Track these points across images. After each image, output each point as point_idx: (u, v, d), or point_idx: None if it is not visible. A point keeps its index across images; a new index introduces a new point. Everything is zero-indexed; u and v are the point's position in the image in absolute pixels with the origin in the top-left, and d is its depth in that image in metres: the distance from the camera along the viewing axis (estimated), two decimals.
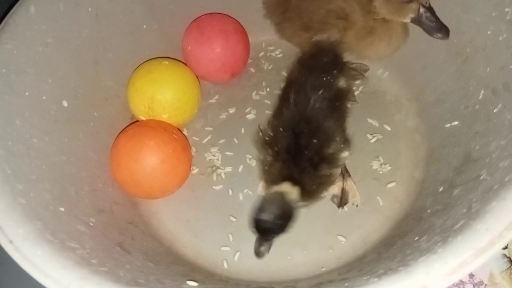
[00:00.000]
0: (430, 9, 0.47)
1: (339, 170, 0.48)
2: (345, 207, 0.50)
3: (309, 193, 0.44)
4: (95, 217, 0.43)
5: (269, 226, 0.41)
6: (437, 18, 0.47)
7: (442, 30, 0.47)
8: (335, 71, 0.47)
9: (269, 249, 0.44)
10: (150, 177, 0.49)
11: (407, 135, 0.55)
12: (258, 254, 0.43)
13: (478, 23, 0.47)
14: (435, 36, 0.47)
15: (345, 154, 0.46)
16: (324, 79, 0.46)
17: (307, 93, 0.45)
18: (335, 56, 0.49)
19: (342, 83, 0.48)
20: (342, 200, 0.50)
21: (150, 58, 0.58)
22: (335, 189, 0.50)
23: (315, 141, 0.43)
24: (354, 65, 0.61)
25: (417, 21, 0.48)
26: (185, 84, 0.56)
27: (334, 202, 0.50)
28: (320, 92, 0.45)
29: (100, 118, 0.53)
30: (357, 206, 0.49)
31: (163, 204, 0.53)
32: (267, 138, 0.46)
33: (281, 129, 0.45)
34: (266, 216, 0.41)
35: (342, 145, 0.45)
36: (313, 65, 0.48)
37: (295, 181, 0.42)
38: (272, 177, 0.44)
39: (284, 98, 0.48)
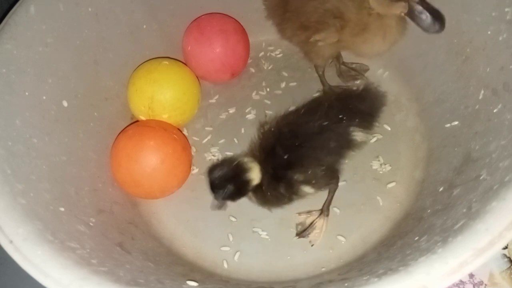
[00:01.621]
0: (421, 3, 0.46)
1: (299, 198, 0.47)
2: (345, 208, 0.50)
3: (263, 195, 0.46)
4: (95, 217, 0.43)
5: (214, 181, 0.44)
6: (430, 11, 0.46)
7: (435, 24, 0.46)
8: (361, 125, 0.47)
9: (220, 206, 0.46)
10: (150, 177, 0.49)
11: (407, 135, 0.55)
12: (211, 206, 0.46)
13: (478, 23, 0.47)
14: (429, 32, 0.47)
15: (308, 189, 0.46)
16: (345, 124, 0.46)
17: (320, 121, 0.46)
18: (372, 113, 0.49)
19: (358, 137, 0.47)
20: (303, 232, 0.49)
21: (150, 58, 0.58)
22: (306, 219, 0.50)
23: (285, 157, 0.44)
24: (354, 65, 0.61)
25: (409, 16, 0.48)
26: (185, 84, 0.56)
27: (296, 228, 0.50)
28: (332, 130, 0.46)
29: (100, 118, 0.53)
30: (312, 245, 0.48)
31: (163, 204, 0.53)
32: (262, 130, 0.48)
33: (272, 128, 0.47)
34: (215, 171, 0.44)
35: (314, 182, 0.46)
36: (348, 106, 0.48)
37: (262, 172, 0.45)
38: (250, 154, 0.47)
39: (306, 105, 0.49)
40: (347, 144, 0.47)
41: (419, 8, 0.46)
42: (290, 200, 0.47)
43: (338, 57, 0.61)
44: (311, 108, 0.48)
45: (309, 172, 0.45)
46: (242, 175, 0.44)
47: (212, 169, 0.45)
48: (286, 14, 0.56)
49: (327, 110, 0.47)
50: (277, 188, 0.45)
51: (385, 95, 0.51)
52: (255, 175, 0.44)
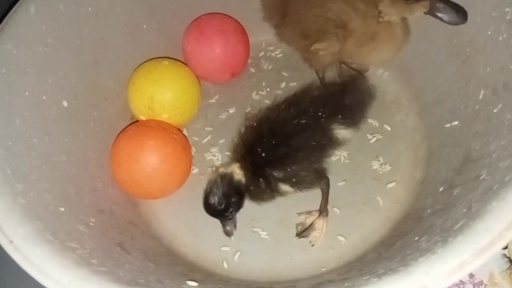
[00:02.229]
0: (441, 0, 0.46)
1: (280, 195, 0.47)
2: (345, 208, 0.50)
3: (249, 189, 0.45)
4: (95, 217, 0.43)
5: (217, 208, 0.43)
6: (452, 5, 0.46)
7: (459, 16, 0.46)
8: (345, 122, 0.46)
9: (234, 225, 0.45)
10: (150, 177, 0.49)
11: (407, 135, 0.55)
12: (227, 233, 0.45)
13: (478, 23, 0.47)
14: (456, 24, 0.46)
15: (286, 187, 0.45)
16: (326, 122, 0.45)
17: (299, 118, 0.45)
18: (358, 108, 0.48)
19: (340, 134, 0.46)
20: (303, 232, 0.49)
21: (150, 58, 0.58)
22: (306, 219, 0.49)
23: (263, 155, 0.44)
24: (354, 65, 0.61)
25: (431, 14, 0.47)
26: (185, 84, 0.56)
27: (296, 228, 0.49)
28: (312, 127, 0.45)
29: (100, 118, 0.53)
30: (312, 246, 0.48)
31: (163, 204, 0.53)
32: (246, 124, 0.47)
33: (254, 124, 0.46)
34: (212, 200, 0.43)
35: (294, 180, 0.45)
36: (332, 101, 0.47)
37: (241, 167, 0.44)
38: (232, 150, 0.47)
39: (287, 100, 0.48)
40: (329, 142, 0.46)
41: (441, 4, 0.46)
42: (272, 196, 0.46)
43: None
44: (292, 104, 0.47)
45: (288, 170, 0.44)
46: (232, 183, 0.44)
47: (208, 200, 0.43)
48: (285, 18, 0.55)
49: (307, 106, 0.46)
50: (258, 183, 0.45)
51: (373, 88, 0.50)
52: (238, 175, 0.44)
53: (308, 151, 0.45)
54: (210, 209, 0.44)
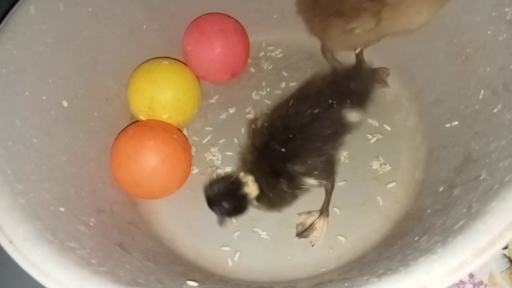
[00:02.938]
0: None
1: (301, 193, 0.46)
2: (345, 208, 0.50)
3: (268, 199, 0.45)
4: (95, 217, 0.43)
5: (210, 197, 0.44)
6: None
7: None
8: (354, 105, 0.46)
9: (222, 222, 0.45)
10: (150, 177, 0.49)
11: (407, 135, 0.55)
12: (218, 223, 0.46)
13: (478, 23, 0.47)
14: None
15: (311, 180, 0.45)
16: (337, 109, 0.45)
17: (311, 109, 0.45)
18: (365, 91, 0.48)
19: (352, 118, 0.46)
20: (304, 232, 0.49)
21: (150, 58, 0.58)
22: (306, 219, 0.49)
23: (283, 150, 0.43)
24: (376, 69, 0.59)
25: None
26: (185, 84, 0.56)
27: (296, 228, 0.49)
28: (325, 116, 0.45)
29: (100, 118, 0.53)
30: (313, 246, 0.48)
31: (163, 204, 0.53)
32: (253, 127, 0.47)
33: (265, 124, 0.46)
34: (208, 190, 0.44)
35: (317, 173, 0.44)
36: (338, 87, 0.47)
37: (256, 179, 0.44)
38: (241, 164, 0.46)
39: (293, 95, 0.48)
40: (343, 128, 0.46)
41: None
42: (294, 196, 0.46)
43: (360, 62, 0.59)
44: (300, 97, 0.47)
45: (309, 162, 0.44)
46: (237, 191, 0.43)
47: (209, 185, 0.44)
48: (316, 9, 0.54)
49: (316, 96, 0.46)
50: (278, 186, 0.44)
51: (375, 70, 0.49)
52: (251, 188, 0.43)
53: (324, 140, 0.45)
54: (205, 193, 0.44)
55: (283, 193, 0.45)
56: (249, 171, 0.44)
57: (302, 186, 0.45)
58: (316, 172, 0.45)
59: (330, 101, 0.45)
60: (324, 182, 0.46)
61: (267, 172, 0.44)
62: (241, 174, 0.44)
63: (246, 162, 0.45)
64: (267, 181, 0.44)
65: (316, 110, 0.45)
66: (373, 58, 0.59)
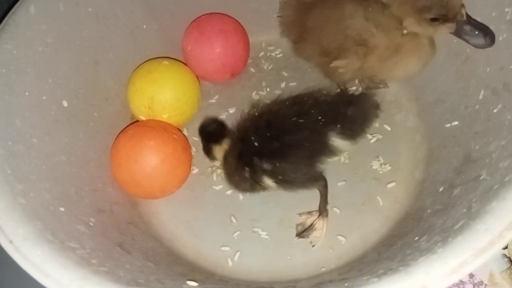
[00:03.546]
0: (468, 22, 0.45)
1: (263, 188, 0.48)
2: (345, 208, 0.50)
3: (228, 171, 0.48)
4: (95, 217, 0.43)
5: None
6: (479, 28, 0.44)
7: (487, 40, 0.44)
8: (344, 132, 0.46)
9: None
10: (150, 177, 0.49)
11: (407, 135, 0.55)
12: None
13: None
14: (482, 47, 0.45)
15: (270, 182, 0.46)
16: (324, 127, 0.45)
17: (298, 117, 0.45)
18: (362, 121, 0.48)
19: (335, 143, 0.46)
20: (303, 232, 0.49)
21: (150, 58, 0.58)
22: (306, 219, 0.49)
23: (256, 144, 0.45)
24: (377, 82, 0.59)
25: (457, 35, 0.46)
26: (185, 84, 0.56)
27: (296, 228, 0.49)
28: (308, 129, 0.45)
29: (100, 118, 0.53)
30: (313, 246, 0.48)
31: (163, 204, 0.53)
32: (248, 111, 0.49)
33: (256, 113, 0.48)
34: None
35: (281, 177, 0.45)
36: (335, 108, 0.47)
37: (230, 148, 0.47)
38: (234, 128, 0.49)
39: (291, 97, 0.49)
40: (323, 148, 0.46)
41: (468, 27, 0.44)
42: (252, 188, 0.47)
43: None
44: (295, 102, 0.47)
45: (277, 165, 0.45)
46: (215, 138, 0.48)
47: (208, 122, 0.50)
48: (303, 34, 0.54)
49: (309, 107, 0.46)
50: (241, 171, 0.46)
51: (379, 106, 0.49)
52: (220, 148, 0.48)
53: (301, 152, 0.45)
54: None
55: (241, 178, 0.46)
56: (232, 138, 0.48)
57: (261, 183, 0.46)
58: (280, 178, 0.45)
59: (320, 117, 0.45)
60: (284, 190, 0.47)
61: (238, 154, 0.46)
62: (230, 134, 0.48)
63: (233, 132, 0.48)
64: (236, 160, 0.46)
65: (302, 120, 0.45)
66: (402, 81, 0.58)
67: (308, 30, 0.54)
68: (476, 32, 0.44)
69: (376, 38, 0.48)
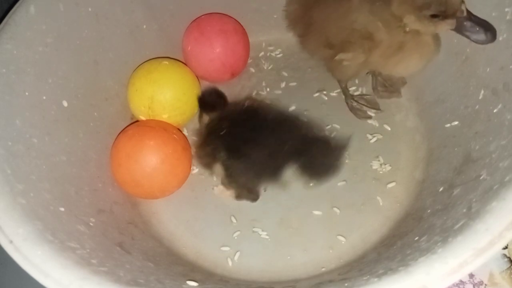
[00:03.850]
0: (469, 18, 0.44)
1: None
2: (345, 208, 0.50)
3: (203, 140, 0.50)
4: (95, 217, 0.43)
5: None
6: (481, 24, 0.44)
7: (488, 36, 0.43)
8: (301, 170, 0.47)
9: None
10: (150, 177, 0.49)
11: (407, 135, 0.55)
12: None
13: None
14: (483, 43, 0.44)
15: (220, 170, 0.48)
16: (282, 153, 0.46)
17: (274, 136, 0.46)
18: (321, 169, 0.48)
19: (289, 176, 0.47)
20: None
21: (150, 58, 0.58)
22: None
23: (221, 133, 0.47)
24: (388, 81, 0.59)
25: (458, 31, 0.46)
26: (185, 84, 0.56)
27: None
28: (266, 145, 0.46)
29: (100, 118, 0.53)
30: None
31: (163, 204, 0.53)
32: (245, 101, 0.52)
33: (244, 107, 0.50)
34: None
35: (229, 172, 0.47)
36: (302, 144, 0.47)
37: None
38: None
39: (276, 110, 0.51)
40: (274, 173, 0.47)
41: (468, 23, 0.44)
42: (209, 167, 0.50)
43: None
44: (277, 116, 0.49)
45: (228, 162, 0.47)
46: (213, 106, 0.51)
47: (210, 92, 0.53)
48: (310, 27, 0.54)
49: (281, 127, 0.47)
50: (206, 146, 0.49)
51: (341, 163, 0.49)
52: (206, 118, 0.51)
53: (253, 164, 0.46)
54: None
55: (206, 152, 0.49)
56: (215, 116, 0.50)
57: (214, 166, 0.49)
58: (229, 171, 0.48)
59: (285, 143, 0.46)
60: (229, 183, 0.50)
61: (209, 131, 0.49)
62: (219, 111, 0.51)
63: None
64: (207, 133, 0.50)
65: (269, 140, 0.46)
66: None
67: (314, 23, 0.53)
68: (477, 28, 0.44)
69: (381, 33, 0.48)
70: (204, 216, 0.52)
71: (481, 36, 0.44)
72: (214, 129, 0.49)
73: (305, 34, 0.56)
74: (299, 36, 0.58)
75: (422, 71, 0.51)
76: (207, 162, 0.50)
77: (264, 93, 0.62)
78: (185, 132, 0.59)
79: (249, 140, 0.46)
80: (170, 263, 0.45)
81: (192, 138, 0.58)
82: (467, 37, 0.45)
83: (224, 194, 0.52)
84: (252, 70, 0.64)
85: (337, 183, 0.52)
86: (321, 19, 0.53)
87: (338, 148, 0.48)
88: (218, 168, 0.48)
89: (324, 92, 0.60)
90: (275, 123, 0.47)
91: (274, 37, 0.63)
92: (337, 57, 0.51)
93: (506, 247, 0.47)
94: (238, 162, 0.47)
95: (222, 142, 0.47)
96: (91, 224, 0.42)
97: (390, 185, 0.51)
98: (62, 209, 0.40)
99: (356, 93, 0.59)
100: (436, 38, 0.50)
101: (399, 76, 0.54)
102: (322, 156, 0.47)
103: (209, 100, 0.52)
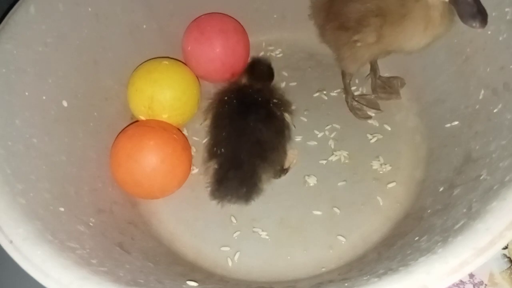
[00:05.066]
0: None
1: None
2: (345, 208, 0.50)
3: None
4: (95, 217, 0.43)
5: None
6: (477, 2, 0.41)
7: (477, 17, 0.41)
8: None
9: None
10: (150, 177, 0.49)
11: (407, 135, 0.55)
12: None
13: None
14: (469, 23, 0.41)
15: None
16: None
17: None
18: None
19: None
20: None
21: (150, 58, 0.58)
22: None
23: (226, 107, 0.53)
24: (391, 79, 0.60)
25: (453, 2, 0.43)
26: (185, 84, 0.56)
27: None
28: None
29: (100, 118, 0.53)
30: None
31: (163, 204, 0.53)
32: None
33: (244, 87, 0.54)
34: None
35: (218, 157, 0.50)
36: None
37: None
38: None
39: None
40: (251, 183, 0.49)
41: None
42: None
43: (375, 70, 0.60)
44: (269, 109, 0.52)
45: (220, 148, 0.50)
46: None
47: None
48: (329, 15, 0.54)
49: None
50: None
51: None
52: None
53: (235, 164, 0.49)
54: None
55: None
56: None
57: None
58: (218, 157, 0.50)
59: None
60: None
61: (218, 111, 0.53)
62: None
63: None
64: (217, 112, 0.53)
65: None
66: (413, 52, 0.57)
67: (333, 10, 0.54)
68: (472, 5, 0.41)
69: (391, 5, 0.48)
70: (204, 216, 0.52)
71: (471, 14, 0.41)
72: (221, 112, 0.52)
73: (325, 22, 0.56)
74: (319, 25, 0.57)
75: (428, 45, 0.49)
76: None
77: None
78: (185, 132, 0.59)
79: (239, 133, 0.50)
80: (170, 263, 0.45)
81: (192, 138, 0.58)
82: (458, 11, 0.42)
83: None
84: None
85: (337, 183, 0.52)
86: (339, 5, 0.52)
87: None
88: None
89: (324, 92, 0.60)
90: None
91: (274, 37, 0.63)
92: (351, 39, 0.51)
93: (506, 247, 0.47)
94: (226, 151, 0.50)
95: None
96: (91, 224, 0.42)
97: (390, 185, 0.51)
98: (62, 209, 0.40)
99: (356, 93, 0.59)
100: (448, 15, 0.47)
101: (405, 48, 0.52)
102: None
103: (259, 70, 0.55)
